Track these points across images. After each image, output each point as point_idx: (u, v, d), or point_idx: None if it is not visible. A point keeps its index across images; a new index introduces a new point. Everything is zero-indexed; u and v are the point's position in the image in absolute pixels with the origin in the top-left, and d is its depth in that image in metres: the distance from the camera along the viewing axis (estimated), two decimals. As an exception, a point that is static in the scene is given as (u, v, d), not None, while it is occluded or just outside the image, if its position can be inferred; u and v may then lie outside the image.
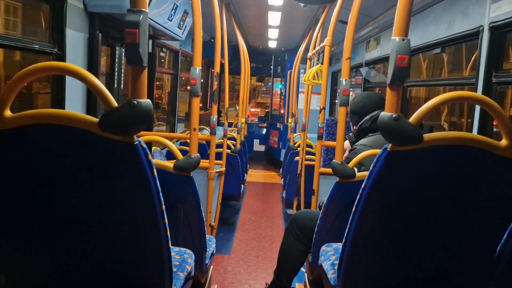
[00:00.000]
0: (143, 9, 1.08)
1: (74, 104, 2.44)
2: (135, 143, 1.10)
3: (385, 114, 1.16)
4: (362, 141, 2.20)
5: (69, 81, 2.32)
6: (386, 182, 1.22)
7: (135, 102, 1.07)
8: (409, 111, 3.71)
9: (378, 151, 1.23)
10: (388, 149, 1.17)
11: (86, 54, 2.57)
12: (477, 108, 2.20)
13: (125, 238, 1.26)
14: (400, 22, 1.16)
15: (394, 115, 1.14)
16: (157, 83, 5.75)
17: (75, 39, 2.42)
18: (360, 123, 2.28)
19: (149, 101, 1.11)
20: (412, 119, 1.15)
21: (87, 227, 1.24)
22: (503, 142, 1.19)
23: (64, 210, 1.21)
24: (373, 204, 1.25)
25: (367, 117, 2.24)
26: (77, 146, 1.13)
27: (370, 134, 2.22)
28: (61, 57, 2.28)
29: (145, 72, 1.13)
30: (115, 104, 1.08)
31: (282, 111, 8.54)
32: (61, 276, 1.33)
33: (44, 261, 1.29)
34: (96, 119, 1.09)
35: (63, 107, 2.30)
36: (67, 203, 1.20)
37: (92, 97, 2.58)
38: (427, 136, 1.15)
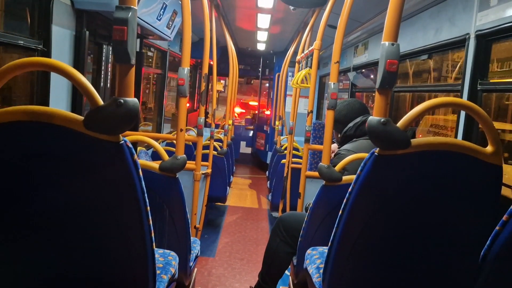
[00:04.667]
0: (132, 6, 1.06)
1: (59, 102, 2.39)
2: (120, 142, 1.08)
3: (373, 118, 1.16)
4: (346, 146, 2.26)
5: (54, 78, 2.28)
6: (373, 186, 1.22)
7: (122, 100, 1.05)
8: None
9: (362, 155, 1.23)
10: (376, 153, 1.17)
11: (73, 52, 2.53)
12: (462, 114, 2.22)
13: (109, 239, 1.24)
14: (390, 27, 1.17)
15: (382, 120, 1.15)
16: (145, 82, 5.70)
17: (62, 36, 2.38)
18: (344, 131, 2.36)
19: (136, 100, 1.09)
20: (400, 123, 1.16)
21: (70, 227, 1.22)
22: (489, 148, 1.20)
23: (47, 210, 1.18)
24: (360, 207, 1.25)
25: (350, 124, 2.34)
26: (61, 145, 1.10)
27: (354, 139, 2.28)
28: (47, 54, 2.24)
29: (133, 70, 1.11)
30: (101, 102, 1.06)
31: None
32: (44, 274, 1.30)
33: (26, 260, 1.26)
34: (81, 117, 1.06)
35: (47, 105, 2.25)
36: (50, 203, 1.17)
37: (78, 95, 2.54)
38: (414, 141, 1.16)
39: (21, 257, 1.25)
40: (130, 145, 1.11)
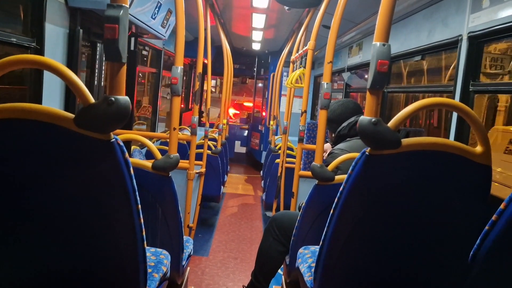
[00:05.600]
0: (123, 4, 1.06)
1: (52, 100, 2.38)
2: (111, 140, 1.08)
3: (364, 118, 1.17)
4: (340, 145, 2.26)
5: (47, 76, 2.27)
6: (363, 186, 1.23)
7: (113, 98, 1.05)
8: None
9: (355, 154, 1.24)
10: (367, 153, 1.18)
11: (66, 50, 2.52)
12: (455, 115, 2.24)
13: (100, 237, 1.24)
14: (381, 27, 1.17)
15: (373, 120, 1.15)
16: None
17: (55, 34, 2.37)
18: (338, 130, 2.37)
19: (127, 98, 1.09)
20: (390, 124, 1.17)
21: (60, 225, 1.21)
22: (478, 148, 1.21)
23: (37, 208, 1.18)
24: (351, 207, 1.26)
25: (344, 124, 2.34)
26: (51, 142, 1.10)
27: (347, 139, 2.29)
28: (40, 52, 2.22)
29: (124, 68, 1.11)
30: (92, 100, 1.06)
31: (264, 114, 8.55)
32: (36, 271, 1.29)
33: (16, 256, 1.26)
34: (72, 115, 1.06)
35: (40, 103, 2.24)
36: (40, 201, 1.17)
37: (71, 93, 2.53)
38: (405, 141, 1.17)
39: (11, 253, 1.24)
40: (121, 143, 1.11)
